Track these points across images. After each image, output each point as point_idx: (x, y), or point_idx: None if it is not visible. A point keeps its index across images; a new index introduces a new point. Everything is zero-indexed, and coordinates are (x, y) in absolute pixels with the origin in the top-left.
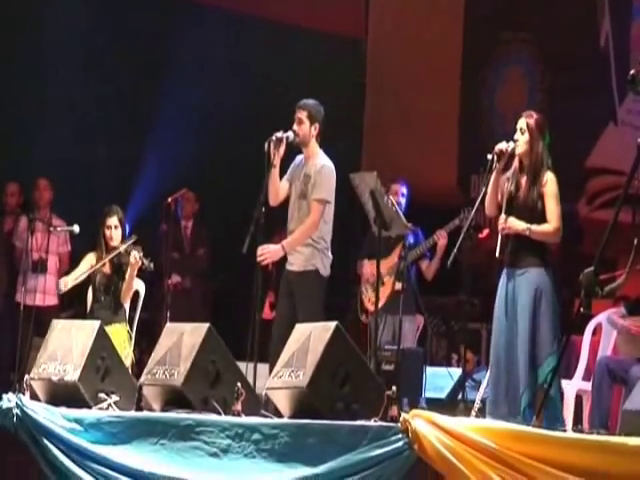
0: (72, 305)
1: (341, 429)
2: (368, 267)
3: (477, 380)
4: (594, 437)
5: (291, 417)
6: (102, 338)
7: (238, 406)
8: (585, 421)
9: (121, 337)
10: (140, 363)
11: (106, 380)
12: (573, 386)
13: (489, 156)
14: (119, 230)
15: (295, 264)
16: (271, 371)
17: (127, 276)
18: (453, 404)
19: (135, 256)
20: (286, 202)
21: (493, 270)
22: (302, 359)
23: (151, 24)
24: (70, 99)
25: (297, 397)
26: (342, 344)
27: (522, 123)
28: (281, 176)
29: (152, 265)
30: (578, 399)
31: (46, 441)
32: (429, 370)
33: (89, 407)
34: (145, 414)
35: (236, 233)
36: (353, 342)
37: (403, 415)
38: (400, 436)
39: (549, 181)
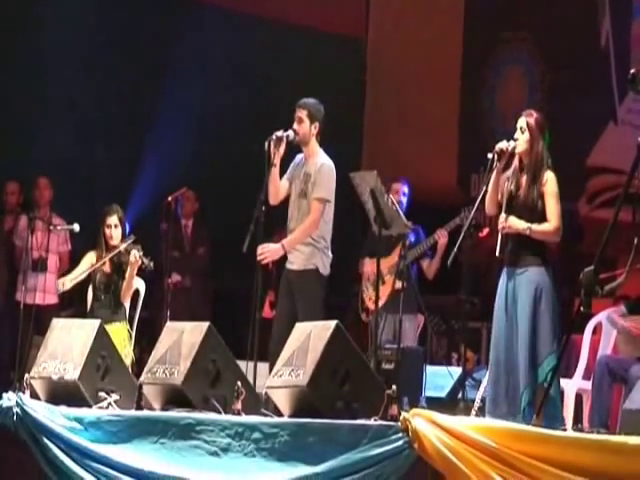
0: (72, 304)
1: (341, 428)
2: (369, 266)
3: (477, 379)
4: (594, 436)
5: (291, 416)
6: (102, 337)
7: (238, 405)
8: (585, 420)
9: (121, 336)
10: (140, 362)
11: (106, 379)
12: (573, 385)
13: (489, 155)
14: (119, 229)
15: (295, 263)
16: (271, 370)
17: (127, 275)
18: (453, 403)
19: (135, 255)
20: (286, 201)
21: (493, 269)
22: (302, 358)
23: (151, 24)
24: (70, 99)
25: (297, 396)
26: (342, 343)
27: (522, 122)
28: (281, 175)
29: (152, 264)
30: (578, 398)
31: (46, 440)
32: (429, 369)
33: (89, 406)
34: (145, 413)
35: (236, 232)
36: (353, 341)
37: (403, 414)
38: (400, 435)
39: (549, 180)
